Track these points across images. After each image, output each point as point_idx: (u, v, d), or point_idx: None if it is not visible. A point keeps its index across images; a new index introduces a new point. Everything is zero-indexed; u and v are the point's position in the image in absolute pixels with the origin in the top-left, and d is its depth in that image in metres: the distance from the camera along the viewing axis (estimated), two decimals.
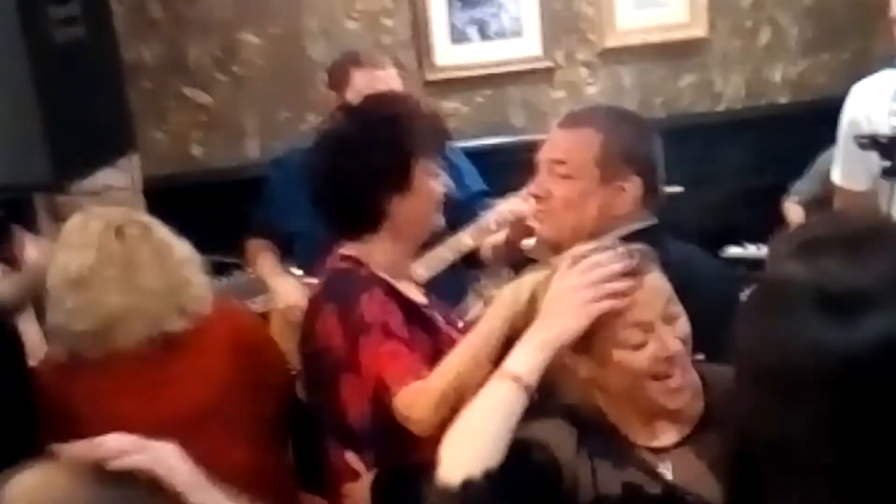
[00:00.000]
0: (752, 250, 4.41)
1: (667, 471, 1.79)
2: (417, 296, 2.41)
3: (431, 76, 4.61)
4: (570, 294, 1.78)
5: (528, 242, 2.77)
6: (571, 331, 1.78)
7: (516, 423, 1.72)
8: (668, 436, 1.82)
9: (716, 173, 4.52)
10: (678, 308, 1.80)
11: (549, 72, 4.69)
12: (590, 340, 1.80)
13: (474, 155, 4.05)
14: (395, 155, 2.30)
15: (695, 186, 3.96)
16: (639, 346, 1.77)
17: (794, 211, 4.36)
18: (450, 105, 4.66)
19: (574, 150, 2.25)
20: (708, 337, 1.88)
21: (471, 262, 3.17)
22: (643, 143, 2.26)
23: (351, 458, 2.30)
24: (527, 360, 1.77)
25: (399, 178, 2.30)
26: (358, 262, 2.33)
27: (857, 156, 3.09)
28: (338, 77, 3.52)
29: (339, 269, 2.33)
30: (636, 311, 1.78)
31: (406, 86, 3.61)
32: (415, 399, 2.09)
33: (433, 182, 2.38)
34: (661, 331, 1.77)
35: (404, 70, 3.78)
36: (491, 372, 1.83)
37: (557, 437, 1.81)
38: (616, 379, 1.81)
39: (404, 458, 2.18)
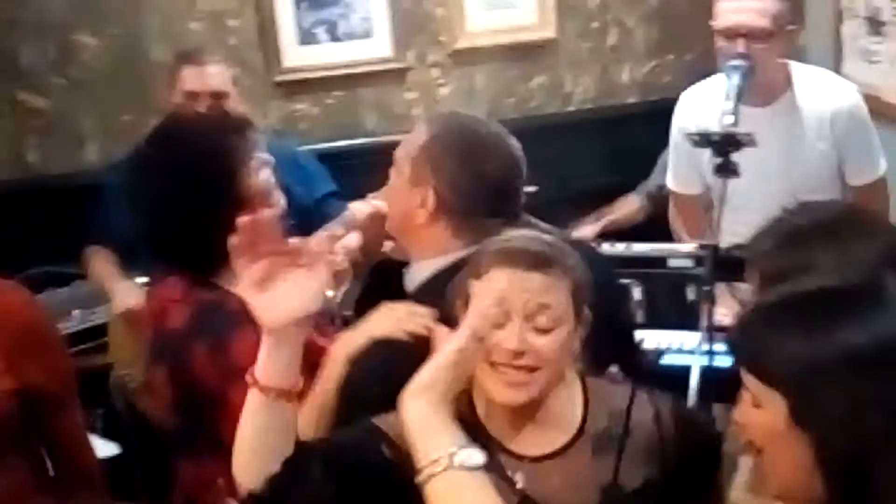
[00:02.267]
0: (606, 248, 4.41)
1: (527, 480, 1.75)
2: None
3: (280, 78, 4.50)
4: (257, 286, 1.67)
5: (389, 244, 2.70)
6: (294, 314, 1.66)
7: (281, 423, 1.68)
8: (536, 443, 1.79)
9: (567, 173, 4.52)
10: (546, 319, 1.75)
11: (400, 73, 4.63)
12: (459, 310, 1.77)
13: (326, 157, 3.99)
14: (213, 175, 2.18)
15: (547, 186, 3.94)
16: (497, 326, 1.73)
17: (629, 200, 4.38)
18: (300, 107, 4.56)
19: (402, 148, 2.23)
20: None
21: None
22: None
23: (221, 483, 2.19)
24: (265, 362, 1.69)
25: (228, 194, 2.18)
26: (222, 291, 2.20)
27: (688, 161, 3.17)
28: (168, 76, 3.45)
29: (206, 302, 2.21)
30: (502, 289, 1.74)
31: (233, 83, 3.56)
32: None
33: (257, 177, 2.27)
34: (517, 324, 1.73)
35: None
36: None
37: None
38: (470, 360, 1.75)
39: None
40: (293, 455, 1.68)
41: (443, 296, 1.85)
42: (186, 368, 2.18)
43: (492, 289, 1.74)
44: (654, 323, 3.08)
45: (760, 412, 1.33)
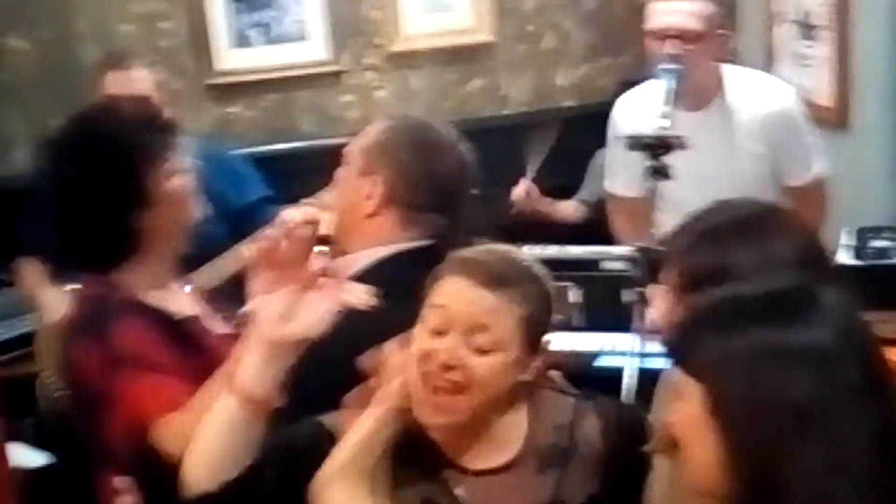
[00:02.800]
0: (553, 251, 4.41)
1: (471, 494, 1.73)
2: (188, 309, 2.26)
3: (213, 81, 4.46)
4: (270, 298, 1.70)
5: (321, 249, 2.67)
6: (297, 335, 1.68)
7: (250, 435, 1.67)
8: (482, 457, 1.76)
9: (506, 176, 4.51)
10: (485, 340, 1.70)
11: (336, 76, 4.61)
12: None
13: (262, 161, 3.96)
14: (124, 170, 2.13)
15: (486, 189, 3.94)
16: (435, 334, 1.70)
17: (568, 203, 4.40)
18: (234, 110, 4.53)
19: (354, 142, 2.28)
20: None
21: None
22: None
23: (118, 483, 2.16)
24: (253, 372, 1.67)
25: (138, 192, 2.13)
26: (111, 285, 2.15)
27: (626, 164, 3.18)
28: (95, 81, 3.40)
29: (92, 296, 2.17)
30: (444, 301, 1.71)
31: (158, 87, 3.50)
32: (171, 433, 1.96)
33: (172, 181, 2.21)
34: (454, 337, 1.69)
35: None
36: None
37: None
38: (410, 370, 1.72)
39: (172, 490, 2.06)
40: (252, 465, 1.67)
41: (381, 284, 1.81)
42: (73, 367, 2.14)
43: (441, 294, 1.72)
44: (591, 325, 3.09)
45: (682, 404, 1.33)
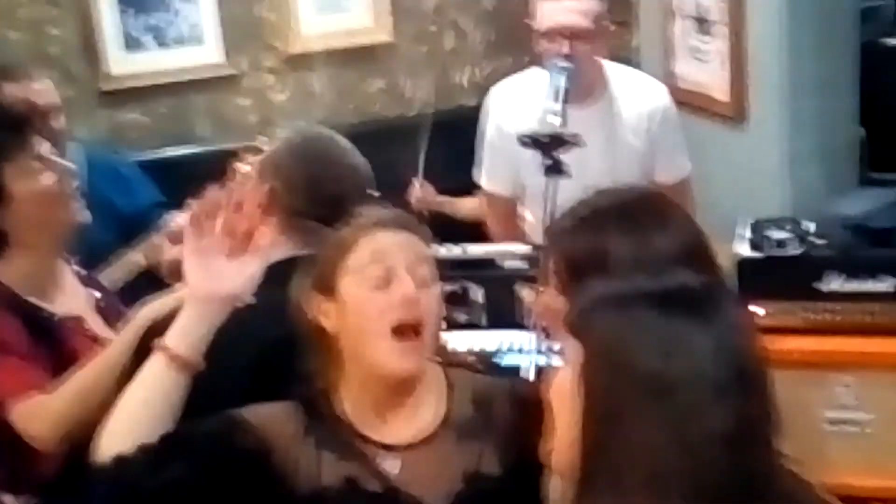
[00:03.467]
0: (452, 250, 4.39)
1: (394, 469, 1.75)
2: (75, 309, 2.30)
3: (106, 86, 4.37)
4: (202, 255, 1.76)
5: None
6: (225, 291, 1.77)
7: (174, 396, 1.72)
8: (403, 432, 1.78)
9: (408, 177, 4.49)
10: (434, 280, 1.79)
11: (233, 79, 4.55)
12: (329, 280, 1.77)
13: (158, 167, 3.90)
14: None
15: (390, 191, 3.91)
16: (381, 284, 1.74)
17: (469, 201, 4.39)
18: (128, 116, 4.45)
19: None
20: None
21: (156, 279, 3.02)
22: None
23: None
24: (180, 330, 1.74)
25: None
26: None
27: (504, 161, 3.19)
28: None
29: None
30: (377, 252, 1.75)
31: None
32: (33, 414, 2.04)
33: (34, 180, 2.23)
34: (405, 276, 1.74)
35: None
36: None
37: (278, 423, 1.77)
38: (354, 332, 1.75)
39: (29, 473, 2.12)
40: (163, 439, 1.69)
41: (263, 288, 1.86)
42: None
43: (370, 250, 1.76)
44: (492, 324, 3.09)
45: (561, 369, 1.34)
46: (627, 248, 1.63)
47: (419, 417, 1.80)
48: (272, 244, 2.13)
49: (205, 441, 1.72)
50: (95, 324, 2.32)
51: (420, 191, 4.04)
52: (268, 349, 1.93)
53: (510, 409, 1.80)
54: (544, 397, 1.39)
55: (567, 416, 1.31)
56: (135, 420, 1.70)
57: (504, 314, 3.07)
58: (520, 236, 3.31)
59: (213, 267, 1.76)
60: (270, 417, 1.77)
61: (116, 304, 2.48)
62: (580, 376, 1.28)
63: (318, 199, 2.20)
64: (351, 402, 1.80)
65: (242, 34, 4.52)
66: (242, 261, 1.78)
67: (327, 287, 1.78)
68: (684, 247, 1.65)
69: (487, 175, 3.43)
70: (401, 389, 1.78)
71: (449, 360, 1.93)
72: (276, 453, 1.73)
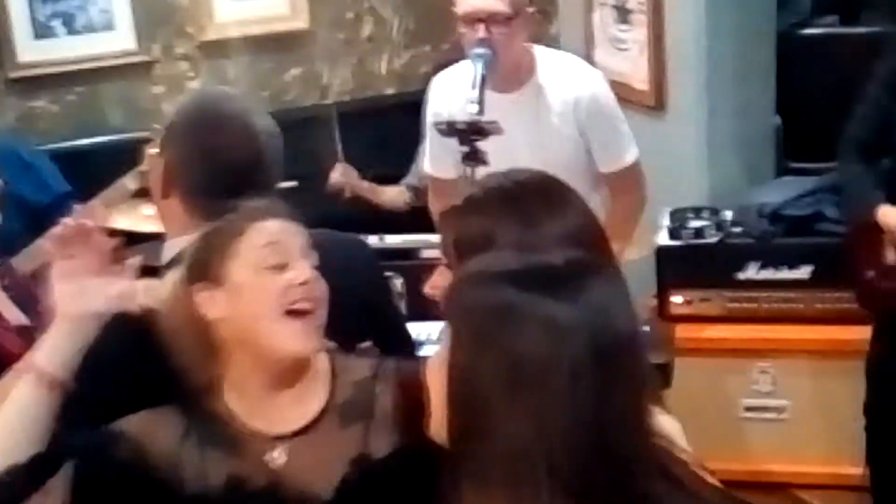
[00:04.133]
0: (373, 241, 4.37)
1: (280, 459, 1.72)
2: None
3: (14, 74, 4.27)
4: (69, 275, 1.73)
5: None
6: (92, 309, 1.73)
7: (44, 415, 1.68)
8: (289, 422, 1.74)
9: (327, 165, 4.45)
10: (314, 260, 1.76)
11: (146, 66, 4.46)
12: (216, 267, 1.72)
13: (70, 157, 3.82)
14: None
15: (308, 180, 3.88)
16: (276, 268, 1.72)
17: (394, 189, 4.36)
18: (38, 104, 4.35)
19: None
20: (351, 323, 1.85)
21: None
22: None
23: None
24: (49, 349, 1.71)
25: None
26: None
27: (442, 146, 3.15)
28: None
29: None
30: (274, 233, 1.73)
31: None
32: None
33: None
34: (300, 260, 1.73)
35: None
36: None
37: (156, 428, 1.72)
38: (246, 317, 1.70)
39: None
40: (34, 459, 1.64)
41: None
42: None
43: (264, 236, 1.73)
44: (416, 314, 3.05)
45: (437, 350, 1.33)
46: (510, 229, 1.61)
47: (304, 405, 1.76)
48: (182, 225, 2.02)
49: (78, 457, 1.68)
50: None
51: (342, 173, 4.00)
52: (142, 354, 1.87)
53: (395, 389, 1.78)
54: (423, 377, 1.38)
55: (438, 397, 1.30)
56: (3, 441, 1.66)
57: (425, 304, 3.03)
58: None
59: (79, 285, 1.73)
60: (147, 424, 1.73)
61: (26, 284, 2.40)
62: (445, 357, 1.27)
63: (216, 171, 1.98)
64: (236, 395, 1.76)
65: (155, 20, 4.44)
66: (110, 278, 1.74)
67: (213, 275, 1.73)
68: (570, 229, 1.63)
69: (431, 159, 3.39)
70: (289, 376, 1.75)
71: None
72: (155, 460, 1.70)
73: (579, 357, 1.21)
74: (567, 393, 1.20)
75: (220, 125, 2.02)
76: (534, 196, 1.70)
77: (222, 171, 1.98)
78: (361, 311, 2.00)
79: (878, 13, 4.64)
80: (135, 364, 1.78)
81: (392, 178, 4.43)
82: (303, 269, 1.72)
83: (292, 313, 1.71)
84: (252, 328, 1.71)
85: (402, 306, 3.20)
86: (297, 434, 1.74)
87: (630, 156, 3.27)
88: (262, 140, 2.03)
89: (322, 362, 1.81)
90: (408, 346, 2.32)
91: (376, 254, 2.88)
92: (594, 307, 1.25)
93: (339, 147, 4.08)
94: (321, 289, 1.74)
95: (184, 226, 1.99)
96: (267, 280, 1.71)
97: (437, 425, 1.32)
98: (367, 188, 4.17)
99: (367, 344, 2.01)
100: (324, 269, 1.78)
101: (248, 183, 1.96)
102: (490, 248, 1.54)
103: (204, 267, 1.74)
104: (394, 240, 3.46)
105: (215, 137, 2.00)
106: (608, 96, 3.26)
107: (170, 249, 2.07)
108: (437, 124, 2.80)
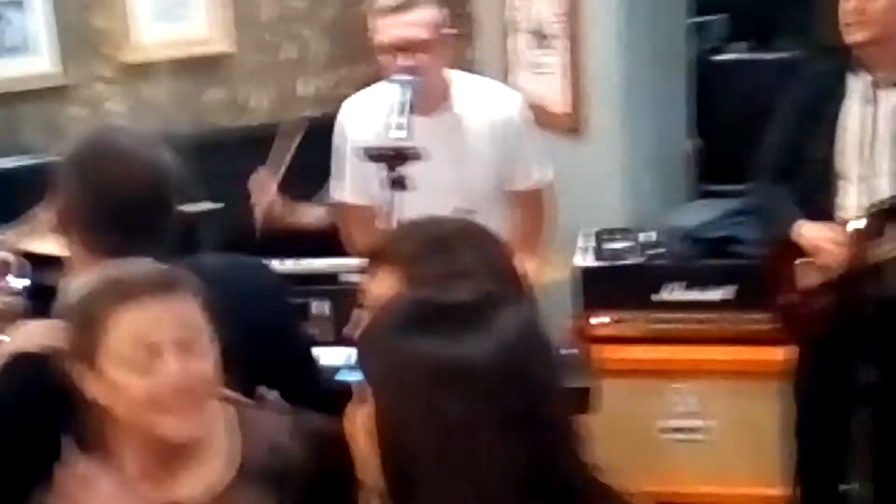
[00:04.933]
0: (293, 265, 4.35)
1: None
2: None
3: None
4: None
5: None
6: None
7: None
8: (194, 486, 1.68)
9: (247, 187, 4.44)
10: (203, 341, 1.67)
11: (66, 89, 4.40)
12: (89, 356, 1.63)
13: None
14: None
15: (230, 202, 3.86)
16: (145, 369, 1.61)
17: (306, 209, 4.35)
18: None
19: None
20: (255, 356, 1.81)
21: None
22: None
23: None
24: None
25: None
26: None
27: (357, 172, 3.18)
28: None
29: None
30: (142, 328, 1.61)
31: None
32: None
33: None
34: (174, 355, 1.62)
35: None
36: None
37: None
38: (121, 408, 1.63)
39: None
40: None
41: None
42: None
43: (129, 330, 1.61)
44: (337, 339, 3.06)
45: (361, 408, 1.31)
46: (428, 271, 1.62)
47: (210, 468, 1.70)
48: (81, 262, 1.97)
49: None
50: None
51: (265, 190, 3.90)
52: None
53: (314, 453, 1.74)
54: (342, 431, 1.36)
55: (362, 448, 1.29)
56: None
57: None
58: None
59: None
60: None
61: None
62: (373, 423, 1.25)
63: (106, 208, 1.95)
64: (132, 460, 1.69)
65: (75, 43, 4.38)
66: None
67: (88, 360, 1.63)
68: (490, 271, 1.65)
69: (342, 186, 3.41)
70: (184, 447, 1.68)
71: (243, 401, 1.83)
72: None
73: (508, 407, 1.21)
74: (501, 447, 1.20)
75: (114, 161, 1.99)
76: (454, 240, 1.72)
77: (115, 207, 1.95)
78: (265, 338, 1.95)
79: (790, 39, 4.75)
80: (31, 406, 1.72)
81: (310, 198, 4.42)
82: (172, 369, 1.62)
83: (169, 410, 1.62)
84: (127, 418, 1.64)
85: (330, 330, 3.21)
86: (207, 501, 1.68)
87: (541, 174, 3.34)
88: (157, 175, 2.01)
89: (230, 418, 1.76)
90: (314, 375, 2.32)
91: (288, 278, 2.90)
92: (512, 347, 1.25)
93: (283, 170, 3.96)
94: (201, 375, 1.65)
95: (85, 261, 1.97)
96: (133, 382, 1.61)
97: (371, 482, 1.30)
98: (287, 207, 4.13)
99: (273, 394, 1.98)
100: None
101: (142, 219, 1.95)
102: (407, 291, 1.54)
103: (78, 350, 1.65)
104: (317, 264, 3.46)
105: (108, 174, 1.97)
106: (524, 116, 3.32)
107: (74, 283, 2.00)
108: (361, 150, 2.82)
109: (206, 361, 1.66)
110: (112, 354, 1.62)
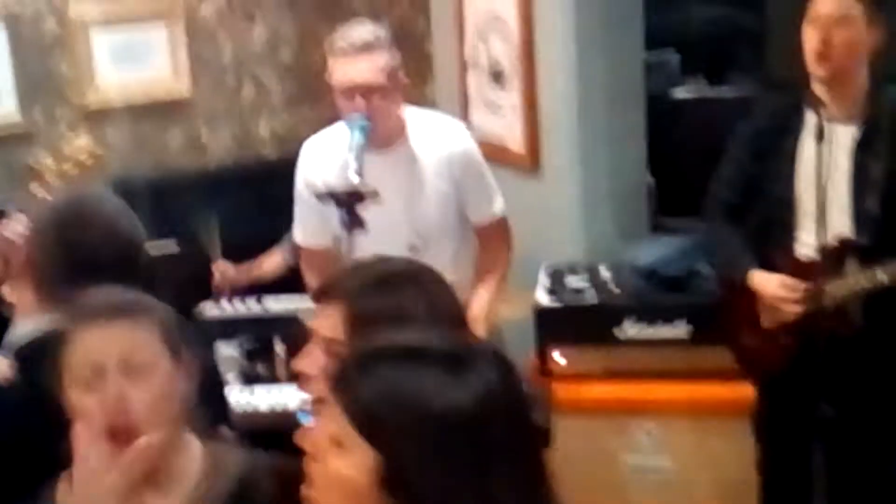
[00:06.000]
0: (255, 307, 4.34)
1: None
2: None
3: None
4: None
5: None
6: None
7: None
8: None
9: (207, 226, 4.43)
10: (155, 368, 1.71)
11: (28, 135, 4.39)
12: (60, 372, 1.71)
13: None
14: None
15: (188, 243, 3.87)
16: (90, 386, 1.67)
17: (272, 254, 4.35)
18: None
19: None
20: None
21: None
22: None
23: None
24: None
25: None
26: None
27: (316, 214, 3.20)
28: None
29: None
30: (86, 351, 1.68)
31: None
32: None
33: None
34: (113, 378, 1.67)
35: None
36: None
37: None
38: (80, 426, 1.67)
39: None
40: None
41: (32, 360, 1.84)
42: None
43: (81, 348, 1.70)
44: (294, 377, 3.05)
45: (339, 453, 1.32)
46: (374, 308, 1.66)
47: (177, 499, 1.73)
48: (32, 311, 2.14)
49: None
50: None
51: (221, 274, 3.96)
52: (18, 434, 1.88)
53: (274, 485, 1.75)
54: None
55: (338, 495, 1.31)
56: None
57: None
58: None
59: None
60: None
61: None
62: (379, 483, 1.27)
63: (70, 265, 2.12)
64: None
65: (36, 87, 4.40)
66: None
67: (59, 381, 1.72)
68: (444, 315, 1.69)
69: (301, 229, 3.43)
70: (150, 475, 1.70)
71: (210, 436, 1.87)
72: None
73: (500, 442, 1.26)
74: (506, 477, 1.25)
75: (83, 223, 2.18)
76: (399, 279, 1.74)
77: (77, 264, 2.11)
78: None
79: (743, 75, 4.83)
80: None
81: (272, 239, 4.43)
82: (111, 386, 1.67)
83: (110, 435, 1.66)
84: (85, 437, 1.67)
85: (287, 372, 3.21)
86: None
87: (498, 208, 3.37)
88: (122, 237, 2.20)
89: (194, 450, 1.78)
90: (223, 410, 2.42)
91: (248, 319, 2.92)
92: (497, 391, 1.29)
93: (218, 243, 4.03)
94: (143, 401, 1.68)
95: (32, 308, 2.16)
96: (82, 398, 1.68)
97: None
98: (245, 273, 4.14)
99: (227, 433, 2.04)
100: None
101: (100, 278, 2.05)
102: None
103: (56, 372, 1.72)
104: (277, 306, 3.48)
105: (75, 234, 2.16)
106: (477, 150, 3.37)
107: (21, 327, 2.21)
108: (316, 192, 2.85)
109: (150, 385, 1.69)
110: (71, 375, 1.69)
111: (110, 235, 2.17)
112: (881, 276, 2.93)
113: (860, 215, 3.01)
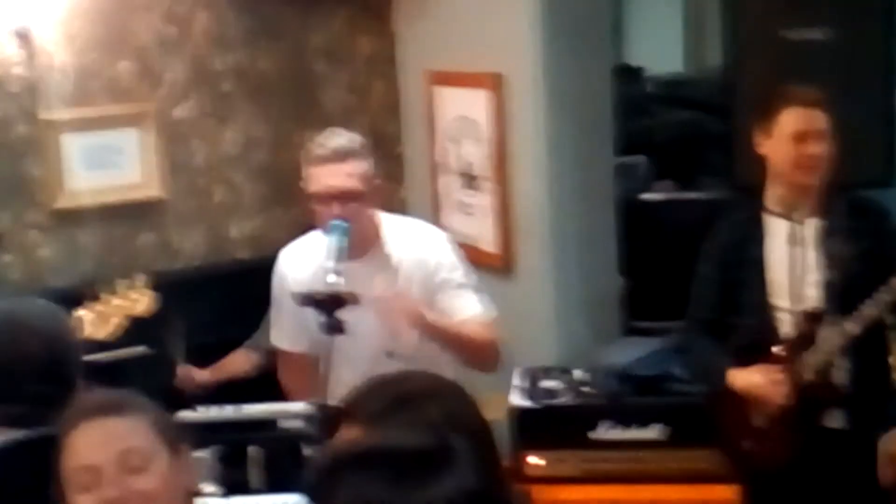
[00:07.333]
0: (228, 411, 4.29)
1: None
2: None
3: None
4: None
5: None
6: None
7: None
8: None
9: (178, 332, 4.41)
10: (137, 459, 1.74)
11: None
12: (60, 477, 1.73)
13: None
14: None
15: (159, 346, 3.84)
16: (87, 488, 1.71)
17: (240, 355, 4.32)
18: None
19: None
20: None
21: None
22: None
23: None
24: None
25: None
26: None
27: (294, 319, 3.20)
28: None
29: None
30: (81, 453, 1.70)
31: None
32: None
33: None
34: (111, 474, 1.70)
35: None
36: None
37: None
38: None
39: None
40: None
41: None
42: None
43: (76, 450, 1.72)
44: (271, 485, 3.02)
45: None
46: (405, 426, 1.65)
47: None
48: None
49: None
50: None
51: (185, 377, 3.95)
52: None
53: None
54: None
55: None
56: None
57: (285, 476, 3.01)
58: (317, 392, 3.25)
59: None
60: None
61: None
62: None
63: (15, 374, 2.16)
64: None
65: (6, 189, 4.39)
66: None
67: (59, 487, 1.76)
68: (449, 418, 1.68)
69: (284, 334, 3.42)
70: None
71: None
72: None
73: None
74: None
75: (10, 338, 2.20)
76: (420, 395, 1.74)
77: (11, 377, 2.15)
78: None
79: (712, 178, 4.89)
80: None
81: (243, 341, 4.40)
82: (106, 489, 1.70)
83: None
84: None
85: (260, 478, 3.17)
86: None
87: (476, 309, 3.31)
88: (43, 348, 2.21)
89: None
90: None
91: (226, 424, 2.90)
92: (474, 486, 1.29)
93: (182, 348, 4.04)
94: (142, 495, 1.72)
95: None
96: (80, 500, 1.72)
97: None
98: (211, 375, 4.12)
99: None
100: None
101: (16, 389, 2.08)
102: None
103: (56, 480, 1.76)
104: (252, 410, 3.44)
105: (15, 345, 2.18)
106: (453, 256, 3.34)
107: None
108: (299, 296, 2.85)
109: (149, 479, 1.73)
110: (67, 479, 1.73)
111: (29, 346, 2.19)
112: (850, 327, 3.02)
113: (827, 288, 3.11)
